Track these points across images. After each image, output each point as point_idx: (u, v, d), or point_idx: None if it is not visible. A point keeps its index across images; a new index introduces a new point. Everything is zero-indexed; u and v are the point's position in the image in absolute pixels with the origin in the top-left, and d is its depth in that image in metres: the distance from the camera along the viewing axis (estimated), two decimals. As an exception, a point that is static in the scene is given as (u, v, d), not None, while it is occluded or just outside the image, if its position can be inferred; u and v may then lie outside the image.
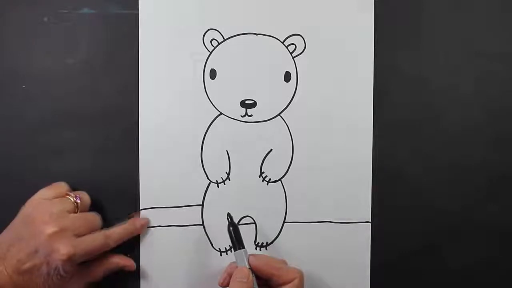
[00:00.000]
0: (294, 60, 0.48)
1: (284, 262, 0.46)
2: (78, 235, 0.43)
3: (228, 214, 0.45)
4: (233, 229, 0.44)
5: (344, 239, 0.49)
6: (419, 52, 0.49)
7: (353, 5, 0.48)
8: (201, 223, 0.49)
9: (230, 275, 0.43)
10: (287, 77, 0.48)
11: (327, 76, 0.49)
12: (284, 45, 0.48)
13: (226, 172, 0.49)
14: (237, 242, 0.44)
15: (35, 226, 0.42)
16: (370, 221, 0.49)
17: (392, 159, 0.49)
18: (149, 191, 0.48)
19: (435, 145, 0.50)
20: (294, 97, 0.49)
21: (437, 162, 0.50)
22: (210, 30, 0.48)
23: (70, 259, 0.41)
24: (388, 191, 0.49)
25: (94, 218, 0.46)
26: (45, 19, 0.47)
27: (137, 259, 0.48)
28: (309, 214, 0.49)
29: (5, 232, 0.43)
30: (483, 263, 0.50)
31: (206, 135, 0.48)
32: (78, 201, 0.45)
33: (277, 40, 0.48)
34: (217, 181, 0.49)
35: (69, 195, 0.45)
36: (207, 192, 0.49)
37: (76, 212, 0.45)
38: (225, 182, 0.49)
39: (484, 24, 0.49)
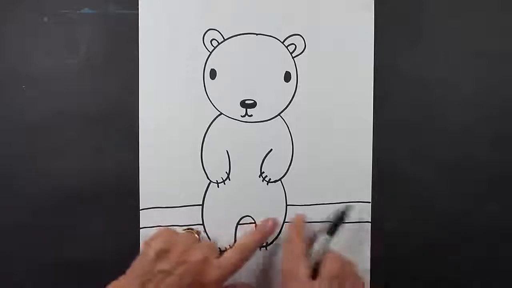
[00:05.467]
0: (294, 60, 0.48)
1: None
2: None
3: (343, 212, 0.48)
4: (338, 220, 0.47)
5: (344, 239, 0.49)
6: (419, 52, 0.49)
7: (353, 5, 0.48)
8: (201, 223, 0.49)
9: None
10: (287, 77, 0.48)
11: (327, 76, 0.49)
12: (284, 45, 0.48)
13: (226, 172, 0.49)
14: (332, 228, 0.47)
15: (172, 257, 0.41)
16: (370, 221, 0.49)
17: (392, 159, 0.49)
18: (149, 191, 0.48)
19: (435, 145, 0.50)
20: (294, 97, 0.49)
21: (437, 162, 0.50)
22: (210, 30, 0.48)
23: (219, 281, 0.42)
24: (388, 191, 0.49)
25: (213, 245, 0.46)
26: (45, 19, 0.47)
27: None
28: (309, 214, 0.49)
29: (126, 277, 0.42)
30: (483, 263, 0.50)
31: (206, 135, 0.48)
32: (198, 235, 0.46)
33: (277, 40, 0.48)
34: (217, 181, 0.49)
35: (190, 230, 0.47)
36: (207, 192, 0.49)
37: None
38: (225, 182, 0.49)
39: (484, 24, 0.49)
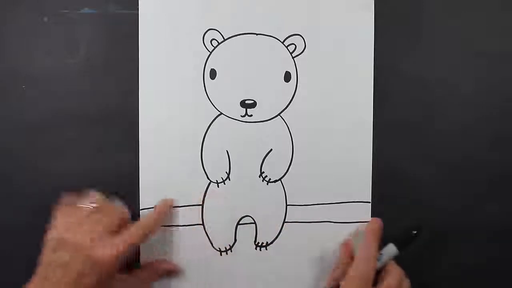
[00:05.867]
0: (294, 60, 0.48)
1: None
2: (113, 231, 0.42)
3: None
4: (410, 238, 0.47)
5: (344, 239, 0.49)
6: (419, 52, 0.49)
7: (353, 5, 0.48)
8: (201, 223, 0.49)
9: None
10: (287, 77, 0.48)
11: (327, 76, 0.49)
12: (284, 45, 0.48)
13: (226, 172, 0.49)
14: (402, 244, 0.47)
15: (68, 245, 0.41)
16: (370, 221, 0.49)
17: (392, 159, 0.49)
18: (149, 191, 0.48)
19: (435, 145, 0.50)
20: (294, 97, 0.49)
21: (437, 162, 0.50)
22: (210, 30, 0.48)
23: (116, 260, 0.40)
24: (388, 191, 0.49)
25: (116, 208, 0.45)
26: (45, 19, 0.47)
27: (137, 259, 0.48)
28: (309, 214, 0.49)
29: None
30: (483, 263, 0.50)
31: (206, 135, 0.48)
32: (92, 205, 0.44)
33: (277, 40, 0.48)
34: (217, 181, 0.49)
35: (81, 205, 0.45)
36: (207, 192, 0.49)
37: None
38: (225, 182, 0.49)
39: (484, 24, 0.49)
